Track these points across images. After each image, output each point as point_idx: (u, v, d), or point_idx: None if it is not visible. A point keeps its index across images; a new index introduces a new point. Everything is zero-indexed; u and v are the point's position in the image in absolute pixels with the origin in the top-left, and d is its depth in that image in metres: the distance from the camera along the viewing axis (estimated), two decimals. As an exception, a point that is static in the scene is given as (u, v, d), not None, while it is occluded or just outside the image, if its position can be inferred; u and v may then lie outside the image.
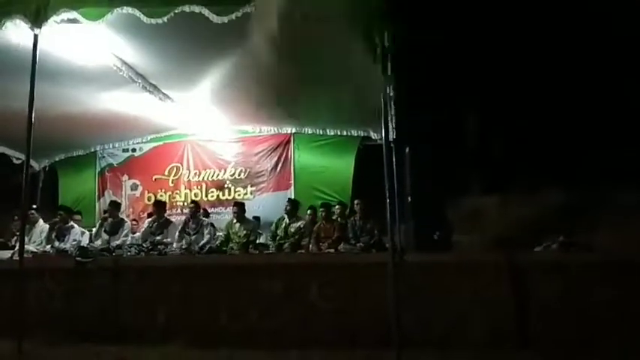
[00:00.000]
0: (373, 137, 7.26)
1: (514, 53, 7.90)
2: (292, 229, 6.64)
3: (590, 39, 7.30)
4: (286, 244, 6.33)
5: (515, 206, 5.34)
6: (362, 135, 7.51)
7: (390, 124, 5.40)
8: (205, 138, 8.17)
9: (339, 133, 7.66)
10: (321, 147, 7.81)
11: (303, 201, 7.32)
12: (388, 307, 3.53)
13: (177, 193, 8.21)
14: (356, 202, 6.64)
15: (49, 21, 4.01)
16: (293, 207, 6.87)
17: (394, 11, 3.82)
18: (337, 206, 6.78)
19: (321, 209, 6.61)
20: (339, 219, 6.59)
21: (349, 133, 7.60)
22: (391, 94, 4.78)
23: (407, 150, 6.20)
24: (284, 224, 6.73)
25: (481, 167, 7.31)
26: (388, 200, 3.76)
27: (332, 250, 5.72)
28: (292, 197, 7.45)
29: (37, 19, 4.01)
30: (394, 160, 4.94)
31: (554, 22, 7.54)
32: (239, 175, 8.04)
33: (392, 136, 5.67)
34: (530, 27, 7.73)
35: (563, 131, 7.42)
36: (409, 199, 6.04)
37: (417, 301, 4.24)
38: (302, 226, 6.67)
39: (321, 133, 7.72)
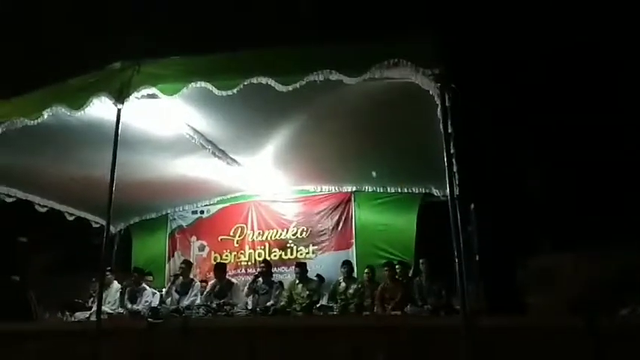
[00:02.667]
0: (436, 194, 7.16)
1: (582, 103, 7.69)
2: (351, 291, 6.58)
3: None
4: (351, 306, 6.24)
5: (593, 265, 5.02)
6: (424, 192, 7.42)
7: (454, 181, 5.35)
8: (268, 199, 8.36)
9: (399, 191, 7.61)
10: (382, 205, 7.77)
11: (364, 260, 7.25)
12: (461, 373, 3.36)
13: (241, 253, 8.35)
14: (421, 261, 6.50)
15: (130, 97, 4.36)
16: (350, 269, 6.86)
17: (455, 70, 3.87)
18: (397, 265, 6.65)
19: (385, 269, 6.51)
20: (400, 278, 6.45)
21: (410, 190, 7.53)
22: (452, 151, 4.76)
23: (472, 206, 6.05)
24: (342, 288, 6.68)
25: (553, 223, 6.98)
26: (457, 260, 3.65)
27: (398, 312, 5.57)
28: (350, 258, 7.41)
29: (120, 96, 4.37)
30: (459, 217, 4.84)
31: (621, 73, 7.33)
32: (301, 234, 8.11)
33: (456, 192, 5.58)
34: (598, 77, 7.56)
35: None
36: (477, 257, 5.82)
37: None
38: (360, 286, 6.59)
39: (381, 190, 7.71)
